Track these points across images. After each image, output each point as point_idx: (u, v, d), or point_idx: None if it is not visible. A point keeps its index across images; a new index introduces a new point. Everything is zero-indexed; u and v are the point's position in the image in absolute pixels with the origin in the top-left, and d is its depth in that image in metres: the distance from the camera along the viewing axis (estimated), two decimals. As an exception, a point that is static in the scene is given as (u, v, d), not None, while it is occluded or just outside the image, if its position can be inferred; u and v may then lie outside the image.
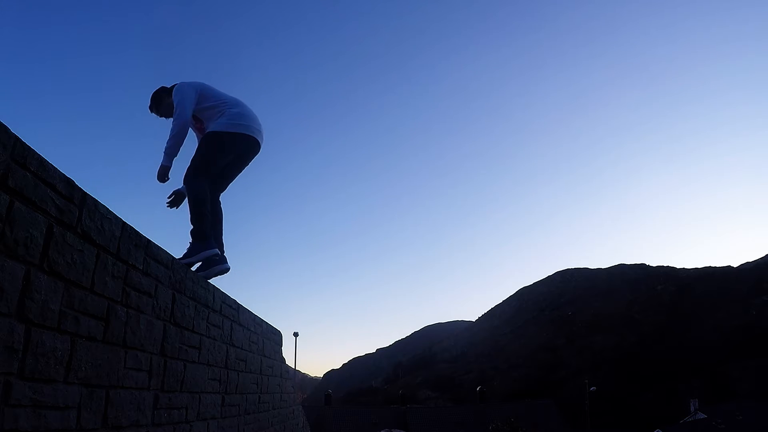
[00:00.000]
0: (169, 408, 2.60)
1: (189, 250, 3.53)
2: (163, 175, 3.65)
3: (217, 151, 3.77)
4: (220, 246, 3.86)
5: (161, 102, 4.04)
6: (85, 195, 1.91)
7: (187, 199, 3.70)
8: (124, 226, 2.20)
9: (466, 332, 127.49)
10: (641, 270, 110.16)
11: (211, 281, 3.54)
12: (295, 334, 38.66)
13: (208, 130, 3.83)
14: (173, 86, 3.94)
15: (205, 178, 3.69)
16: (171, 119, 4.03)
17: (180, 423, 2.73)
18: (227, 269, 3.84)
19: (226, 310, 3.68)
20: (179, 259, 3.13)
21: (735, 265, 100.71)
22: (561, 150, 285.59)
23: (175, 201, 4.02)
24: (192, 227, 3.61)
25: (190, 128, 4.07)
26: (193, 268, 3.46)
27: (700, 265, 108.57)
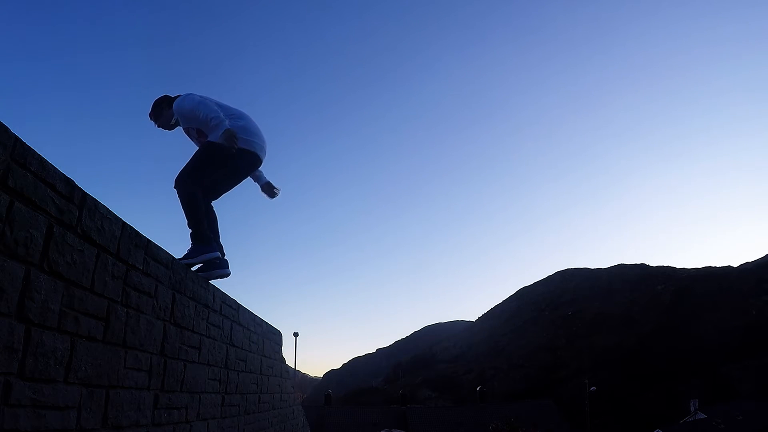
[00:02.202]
0: (169, 408, 2.60)
1: (190, 251, 3.51)
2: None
3: (214, 161, 3.70)
4: (221, 249, 3.84)
5: (162, 112, 3.99)
6: (85, 195, 1.91)
7: (180, 203, 3.65)
8: (124, 226, 2.20)
9: (466, 332, 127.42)
10: (641, 270, 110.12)
11: (211, 282, 3.54)
12: (295, 334, 38.71)
13: (208, 140, 3.76)
14: (176, 97, 3.89)
15: (196, 185, 3.62)
16: (168, 131, 4.05)
17: (180, 423, 2.73)
18: (228, 274, 3.80)
19: (226, 310, 3.68)
20: (179, 259, 3.12)
21: (735, 265, 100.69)
22: (561, 150, 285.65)
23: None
24: (191, 230, 3.58)
25: (191, 140, 4.05)
26: (193, 269, 3.45)
27: (700, 265, 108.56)
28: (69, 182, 1.81)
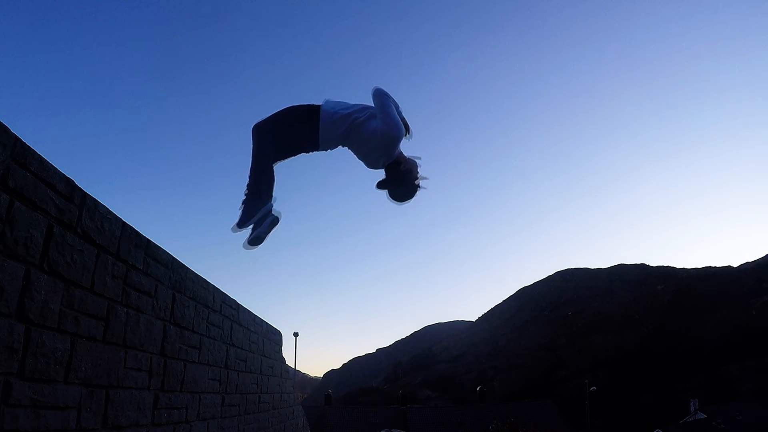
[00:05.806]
0: (169, 408, 2.60)
1: (244, 211, 3.05)
2: None
3: (298, 122, 3.27)
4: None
5: None
6: (85, 195, 1.91)
7: (251, 151, 3.20)
8: (124, 226, 2.20)
9: (466, 332, 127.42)
10: (641, 270, 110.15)
11: (210, 281, 3.52)
12: (295, 334, 38.66)
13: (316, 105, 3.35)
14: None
15: (272, 141, 3.24)
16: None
17: (180, 423, 2.73)
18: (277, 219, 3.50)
19: (226, 310, 3.68)
20: (237, 224, 2.89)
21: (735, 265, 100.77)
22: (561, 149, 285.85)
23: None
24: (249, 181, 3.14)
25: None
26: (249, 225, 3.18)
27: (700, 265, 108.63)
28: (69, 182, 1.81)
